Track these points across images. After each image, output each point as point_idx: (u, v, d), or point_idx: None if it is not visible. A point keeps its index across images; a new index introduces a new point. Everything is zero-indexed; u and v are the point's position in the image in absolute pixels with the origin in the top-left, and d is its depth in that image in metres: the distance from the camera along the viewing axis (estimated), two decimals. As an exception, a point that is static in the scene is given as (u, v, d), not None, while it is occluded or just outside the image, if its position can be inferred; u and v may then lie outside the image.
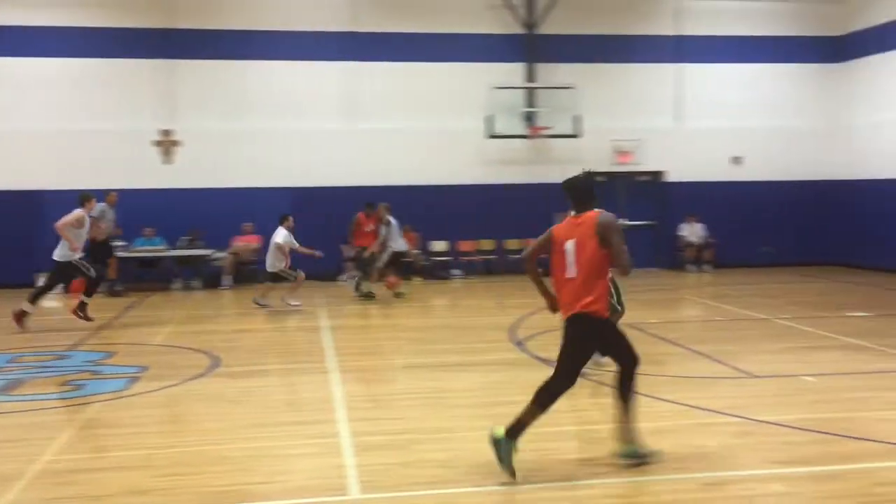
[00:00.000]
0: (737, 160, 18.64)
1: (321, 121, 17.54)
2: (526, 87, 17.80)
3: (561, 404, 5.45)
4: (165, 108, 17.04)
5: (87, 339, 10.66)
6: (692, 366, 8.76)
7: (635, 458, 5.46)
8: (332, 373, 8.50)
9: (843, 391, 7.68)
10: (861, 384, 7.99)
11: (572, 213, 5.53)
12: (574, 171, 18.37)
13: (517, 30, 17.93)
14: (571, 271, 5.34)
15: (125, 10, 16.87)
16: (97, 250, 13.99)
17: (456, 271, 17.64)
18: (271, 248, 13.14)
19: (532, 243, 5.69)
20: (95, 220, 13.32)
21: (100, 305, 12.83)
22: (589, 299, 5.27)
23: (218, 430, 6.60)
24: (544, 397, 5.33)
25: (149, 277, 16.35)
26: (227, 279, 16.29)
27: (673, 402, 7.13)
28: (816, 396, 7.46)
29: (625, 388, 5.46)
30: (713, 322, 11.87)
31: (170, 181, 16.83)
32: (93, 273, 11.49)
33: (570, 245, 5.36)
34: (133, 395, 7.75)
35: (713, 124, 18.67)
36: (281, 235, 13.05)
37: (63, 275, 11.67)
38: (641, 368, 5.53)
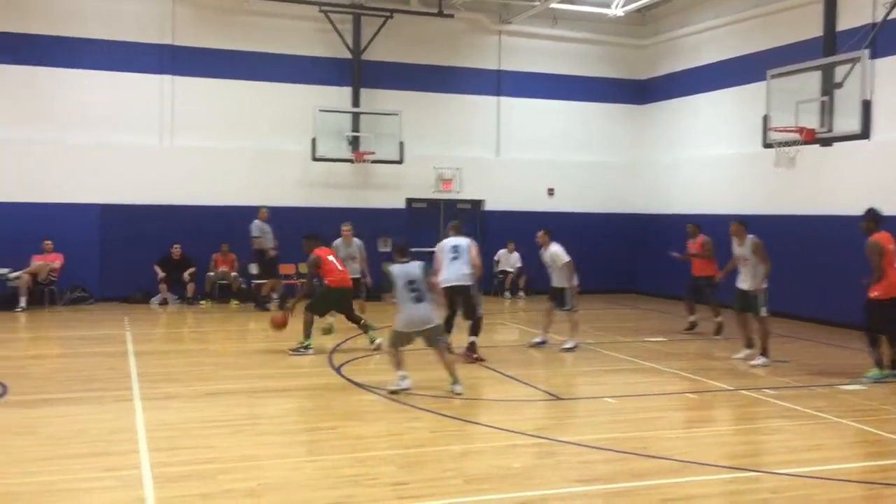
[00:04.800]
0: (550, 192, 19.59)
1: (135, 136, 16.69)
2: (351, 112, 17.85)
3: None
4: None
5: None
6: (504, 389, 9.03)
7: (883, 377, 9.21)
8: (135, 401, 8.04)
9: (638, 412, 8.20)
10: (654, 405, 8.58)
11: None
12: (397, 196, 18.68)
13: (345, 54, 17.96)
14: None
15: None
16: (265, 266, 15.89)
17: (275, 294, 17.25)
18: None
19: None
20: (257, 238, 15.59)
21: None
22: None
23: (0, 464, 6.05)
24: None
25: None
26: (23, 300, 15.05)
27: (483, 424, 7.32)
28: (614, 417, 7.92)
29: None
30: (526, 347, 12.32)
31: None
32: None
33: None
34: None
35: (530, 156, 19.50)
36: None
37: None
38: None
